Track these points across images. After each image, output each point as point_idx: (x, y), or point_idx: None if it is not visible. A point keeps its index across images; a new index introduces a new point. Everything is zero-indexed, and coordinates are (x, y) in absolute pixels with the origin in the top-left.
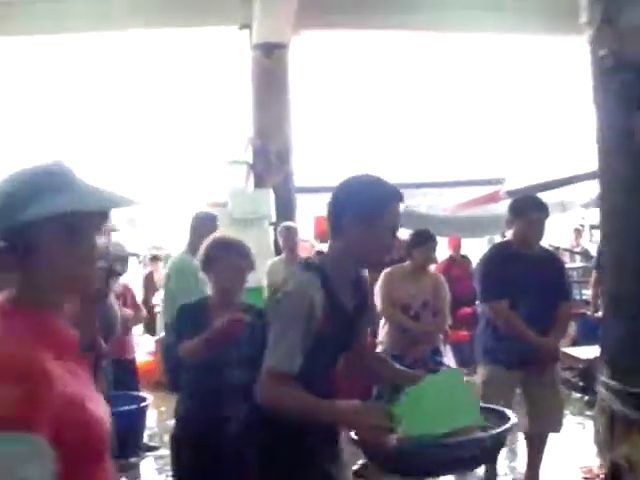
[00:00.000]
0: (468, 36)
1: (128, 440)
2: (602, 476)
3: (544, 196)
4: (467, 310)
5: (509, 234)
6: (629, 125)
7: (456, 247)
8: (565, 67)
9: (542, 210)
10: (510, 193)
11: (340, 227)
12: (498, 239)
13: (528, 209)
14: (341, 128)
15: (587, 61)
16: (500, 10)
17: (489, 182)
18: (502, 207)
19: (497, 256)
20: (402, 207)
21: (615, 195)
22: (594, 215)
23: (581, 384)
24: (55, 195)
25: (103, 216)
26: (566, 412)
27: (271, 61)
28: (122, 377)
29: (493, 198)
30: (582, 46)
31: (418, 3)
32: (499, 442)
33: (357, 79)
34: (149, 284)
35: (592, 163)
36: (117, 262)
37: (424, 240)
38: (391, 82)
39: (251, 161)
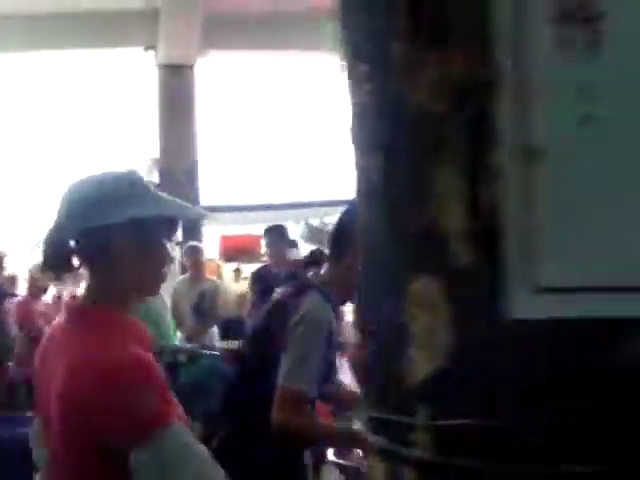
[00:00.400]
0: None
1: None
2: None
3: None
4: None
5: None
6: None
7: None
8: None
9: None
10: None
11: (344, 253)
12: None
13: None
14: (247, 147)
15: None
16: None
17: None
18: None
19: None
20: (320, 224)
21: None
22: None
23: None
24: (134, 202)
25: (174, 224)
26: None
27: (176, 81)
28: None
29: None
30: None
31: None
32: None
33: (262, 98)
34: None
35: None
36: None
37: None
38: (294, 101)
39: (157, 181)
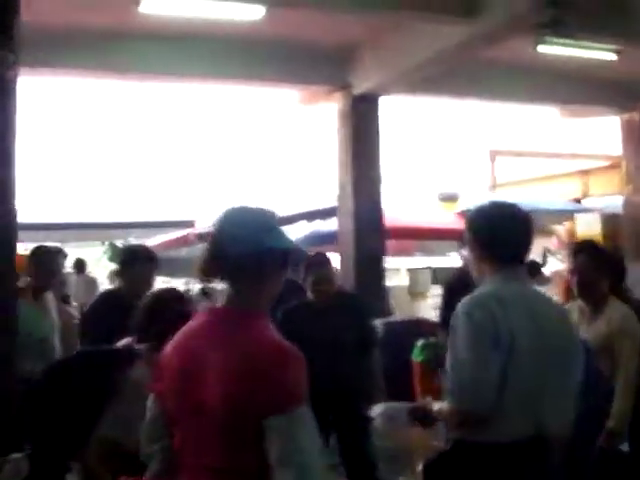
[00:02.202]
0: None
1: None
2: None
3: None
4: None
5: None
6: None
7: None
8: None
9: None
10: (201, 236)
11: None
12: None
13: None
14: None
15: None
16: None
17: (181, 224)
18: (195, 250)
19: None
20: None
21: None
22: None
23: None
24: (281, 233)
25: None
26: None
27: None
28: None
29: (185, 241)
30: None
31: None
32: None
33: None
34: None
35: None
36: None
37: None
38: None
39: None
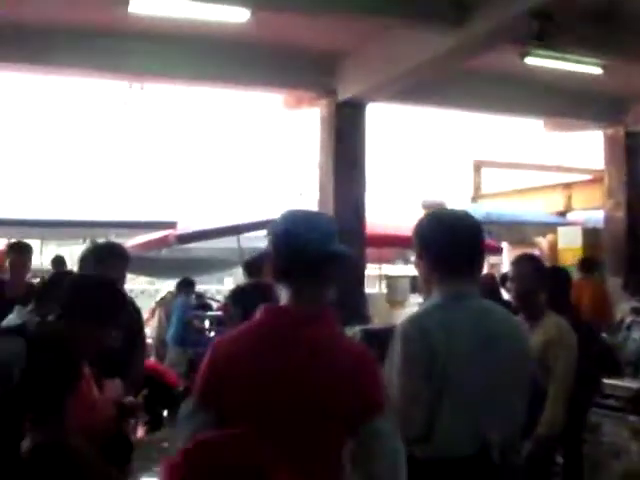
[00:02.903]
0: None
1: None
2: None
3: None
4: None
5: None
6: None
7: None
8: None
9: None
10: (180, 238)
11: None
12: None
13: None
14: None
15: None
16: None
17: (162, 225)
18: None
19: None
20: None
21: None
22: None
23: None
24: (336, 238)
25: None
26: None
27: None
28: None
29: (164, 242)
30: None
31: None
32: None
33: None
34: None
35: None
36: None
37: None
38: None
39: None
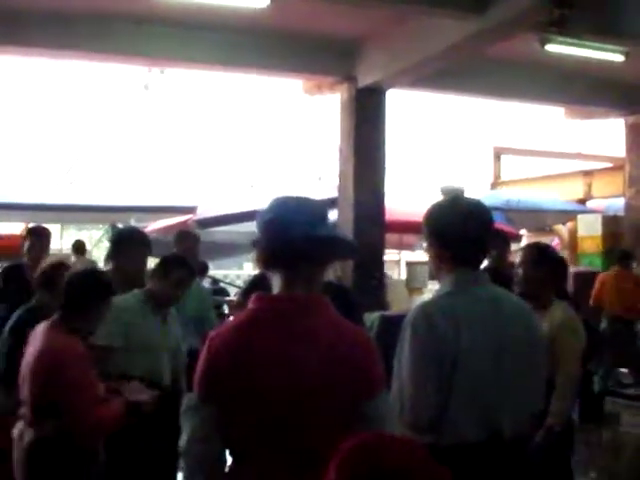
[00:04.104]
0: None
1: None
2: None
3: None
4: None
5: None
6: None
7: None
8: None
9: None
10: (200, 222)
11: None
12: None
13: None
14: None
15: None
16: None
17: (182, 210)
18: None
19: None
20: None
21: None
22: None
23: None
24: (331, 223)
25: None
26: None
27: None
28: None
29: (184, 226)
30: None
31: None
32: None
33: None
34: None
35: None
36: None
37: None
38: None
39: None
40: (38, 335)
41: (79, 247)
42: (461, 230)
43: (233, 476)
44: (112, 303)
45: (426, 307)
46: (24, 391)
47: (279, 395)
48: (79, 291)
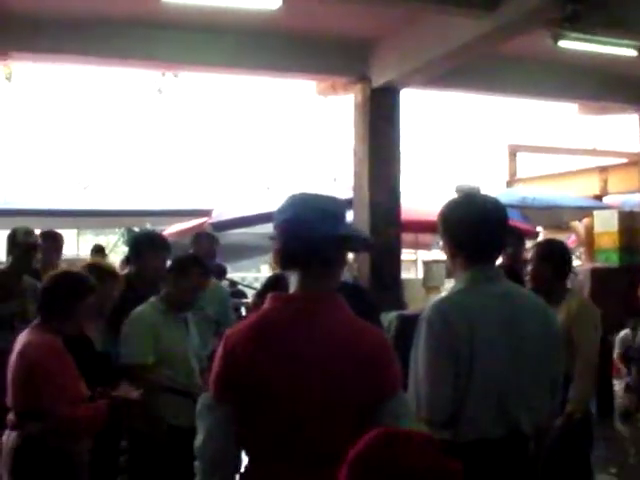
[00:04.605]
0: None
1: None
2: None
3: None
4: None
5: None
6: None
7: None
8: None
9: None
10: (215, 225)
11: None
12: None
13: None
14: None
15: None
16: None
17: (197, 213)
18: None
19: None
20: None
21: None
22: None
23: None
24: (348, 221)
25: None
26: None
27: None
28: None
29: (199, 230)
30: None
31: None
32: None
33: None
34: None
35: None
36: None
37: None
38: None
39: None
40: (19, 340)
41: (99, 251)
42: (476, 228)
43: (249, 476)
44: (134, 317)
45: (440, 304)
46: (9, 396)
47: (294, 394)
48: (54, 293)
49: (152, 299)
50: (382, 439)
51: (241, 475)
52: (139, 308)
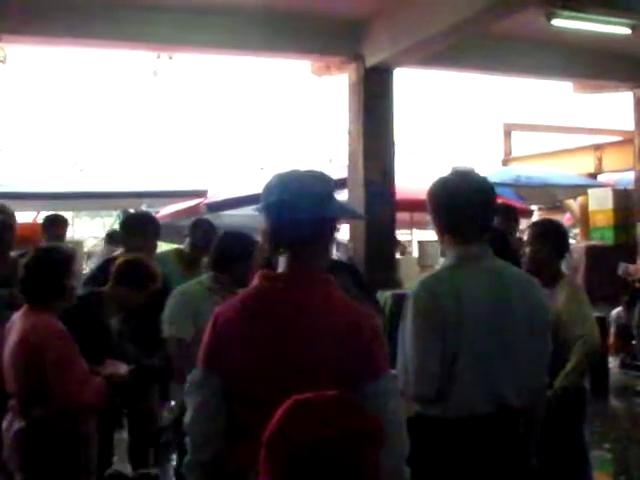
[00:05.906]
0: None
1: None
2: None
3: None
4: None
5: None
6: None
7: None
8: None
9: None
10: (210, 206)
11: None
12: None
13: None
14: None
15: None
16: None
17: (192, 194)
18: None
19: None
20: None
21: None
22: None
23: None
24: (336, 199)
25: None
26: None
27: None
28: None
29: (195, 210)
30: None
31: None
32: None
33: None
34: None
35: None
36: None
37: None
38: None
39: None
40: (14, 324)
41: (112, 236)
42: (461, 207)
43: (238, 452)
44: (179, 292)
45: (427, 280)
46: (10, 382)
47: (280, 368)
48: (35, 272)
49: (204, 276)
50: (294, 412)
51: (230, 451)
52: (185, 284)
